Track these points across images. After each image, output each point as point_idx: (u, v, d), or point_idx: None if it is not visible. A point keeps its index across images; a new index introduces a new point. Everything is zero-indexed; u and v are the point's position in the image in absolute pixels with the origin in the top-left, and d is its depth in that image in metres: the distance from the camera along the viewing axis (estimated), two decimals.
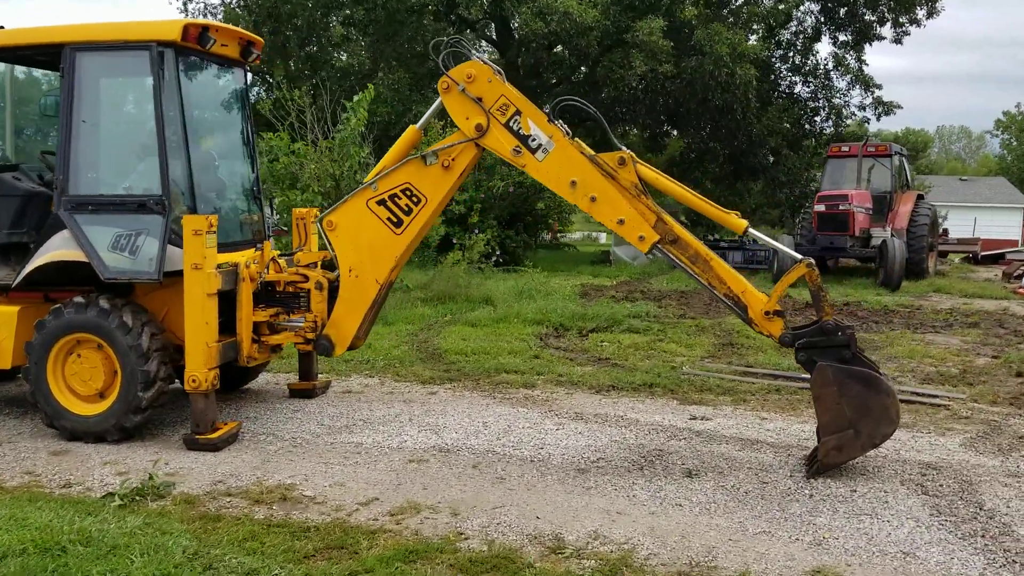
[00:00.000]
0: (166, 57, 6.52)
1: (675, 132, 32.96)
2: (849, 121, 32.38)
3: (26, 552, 4.46)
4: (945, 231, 30.19)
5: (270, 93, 28.44)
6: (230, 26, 7.11)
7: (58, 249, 6.59)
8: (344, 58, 31.95)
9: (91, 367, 6.60)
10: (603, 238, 46.93)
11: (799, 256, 6.08)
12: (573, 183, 6.26)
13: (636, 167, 6.24)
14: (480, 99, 6.33)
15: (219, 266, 6.58)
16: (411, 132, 6.72)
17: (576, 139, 6.35)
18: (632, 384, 8.67)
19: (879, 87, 30.00)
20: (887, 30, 29.86)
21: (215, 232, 6.39)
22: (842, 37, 30.25)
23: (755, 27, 30.49)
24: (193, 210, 6.67)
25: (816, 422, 6.08)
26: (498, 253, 20.04)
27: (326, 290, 6.91)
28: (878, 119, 31.49)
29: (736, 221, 6.25)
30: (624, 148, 6.33)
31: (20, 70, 8.03)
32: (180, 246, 6.36)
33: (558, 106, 6.51)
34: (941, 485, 5.80)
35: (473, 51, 6.43)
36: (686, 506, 5.45)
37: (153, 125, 6.51)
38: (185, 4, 31.95)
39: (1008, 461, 6.36)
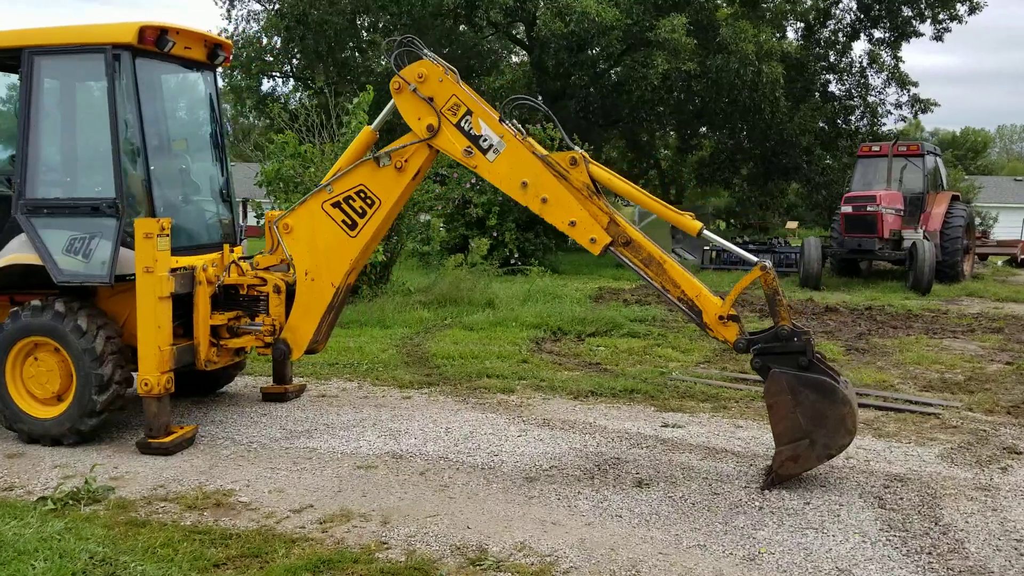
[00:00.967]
0: (122, 60, 6.50)
1: (711, 133, 32.50)
2: (887, 120, 31.60)
3: None
4: (984, 233, 29.25)
5: (311, 98, 28.75)
6: (194, 28, 7.07)
7: (16, 252, 6.63)
8: (384, 63, 32.16)
9: (47, 370, 6.61)
10: None
11: (755, 259, 5.87)
12: (524, 184, 6.11)
13: (588, 167, 6.06)
14: (431, 99, 6.21)
15: (175, 269, 6.56)
16: (366, 133, 6.63)
17: (528, 139, 6.20)
18: (613, 390, 8.46)
19: (915, 84, 29.22)
20: (926, 27, 29.12)
21: (168, 235, 6.36)
22: (878, 34, 29.53)
23: (795, 25, 29.97)
24: (151, 213, 6.64)
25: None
26: (516, 256, 19.92)
27: (283, 293, 6.84)
28: (915, 117, 30.67)
29: (690, 223, 6.04)
30: (577, 148, 6.16)
31: None
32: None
33: (510, 105, 6.37)
34: (901, 498, 5.52)
35: (425, 50, 6.30)
36: (626, 517, 5.25)
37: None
38: (229, 12, 32.44)
39: (982, 474, 6.04)
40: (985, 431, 7.16)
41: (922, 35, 29.35)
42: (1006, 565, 4.59)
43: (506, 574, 4.49)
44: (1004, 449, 6.64)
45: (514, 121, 6.27)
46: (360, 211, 6.53)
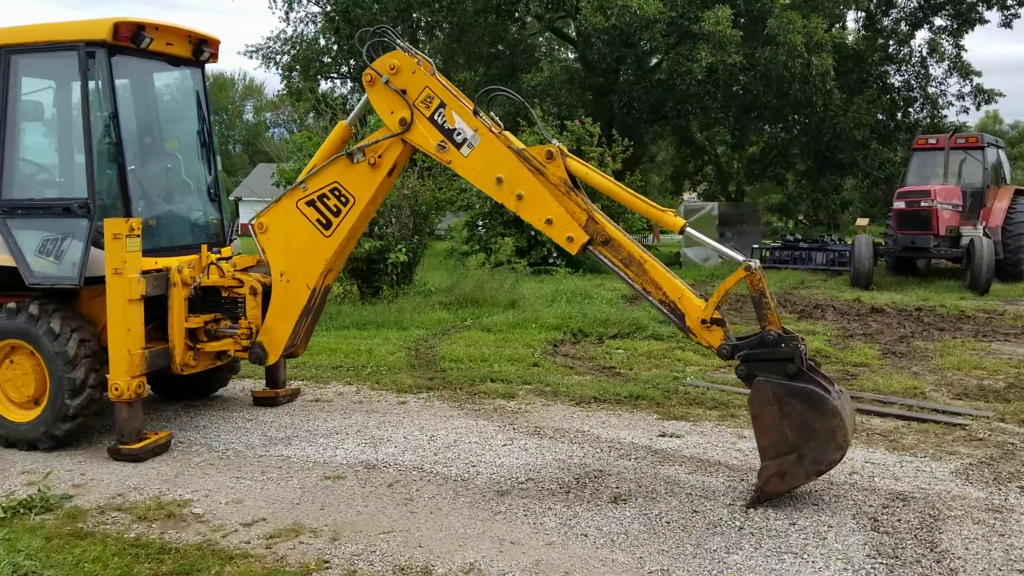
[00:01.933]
0: (97, 57, 6.36)
1: (764, 127, 31.58)
2: (948, 112, 30.25)
3: None
4: None
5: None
6: (176, 24, 6.91)
7: None
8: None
9: (23, 374, 6.52)
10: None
11: (741, 258, 5.44)
12: (499, 180, 5.78)
13: (565, 161, 5.70)
14: (404, 91, 5.92)
15: (151, 271, 6.40)
16: (340, 128, 6.37)
17: (504, 132, 5.86)
18: (617, 396, 8.06)
19: (978, 74, 27.91)
20: (993, 14, 27.82)
21: (139, 236, 6.19)
22: (939, 22, 28.33)
23: (856, 15, 28.92)
24: (128, 214, 6.49)
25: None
26: (555, 256, 19.53)
27: (260, 295, 6.63)
28: (977, 108, 29.30)
29: (672, 220, 5.64)
30: (554, 141, 5.81)
31: None
32: None
33: (486, 97, 6.05)
34: (899, 520, 5.03)
35: (398, 41, 6.01)
36: (592, 536, 4.89)
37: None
38: (287, 14, 32.73)
39: (997, 493, 5.50)
40: (1013, 444, 6.58)
41: (987, 22, 28.07)
42: None
43: None
44: None
45: (491, 114, 5.94)
46: (335, 210, 6.27)
